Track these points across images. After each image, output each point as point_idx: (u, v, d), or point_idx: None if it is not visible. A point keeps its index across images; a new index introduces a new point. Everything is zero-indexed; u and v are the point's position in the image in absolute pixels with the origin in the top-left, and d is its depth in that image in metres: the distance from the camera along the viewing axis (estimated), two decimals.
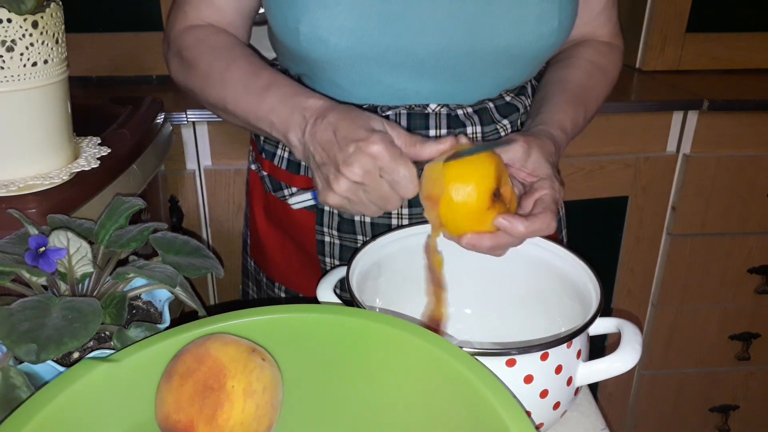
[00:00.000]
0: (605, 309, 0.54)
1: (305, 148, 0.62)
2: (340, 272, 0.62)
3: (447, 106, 0.73)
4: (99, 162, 0.71)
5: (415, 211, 0.75)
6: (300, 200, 0.67)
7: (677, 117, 1.32)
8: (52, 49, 0.63)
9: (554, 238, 0.67)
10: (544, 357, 0.50)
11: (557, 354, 0.50)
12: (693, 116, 1.31)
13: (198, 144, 1.21)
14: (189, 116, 1.16)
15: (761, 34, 1.46)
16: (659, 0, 1.40)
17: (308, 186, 0.78)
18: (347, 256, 0.78)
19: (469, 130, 0.74)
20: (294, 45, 0.68)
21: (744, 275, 1.45)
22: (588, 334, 0.55)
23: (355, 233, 0.77)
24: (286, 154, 0.79)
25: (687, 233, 1.40)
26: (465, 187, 0.55)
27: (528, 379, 0.50)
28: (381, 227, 0.76)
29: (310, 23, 0.65)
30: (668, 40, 1.44)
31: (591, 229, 1.38)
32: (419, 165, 0.57)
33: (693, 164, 1.33)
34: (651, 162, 1.33)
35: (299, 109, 0.62)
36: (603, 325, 0.56)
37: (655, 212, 1.38)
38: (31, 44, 0.61)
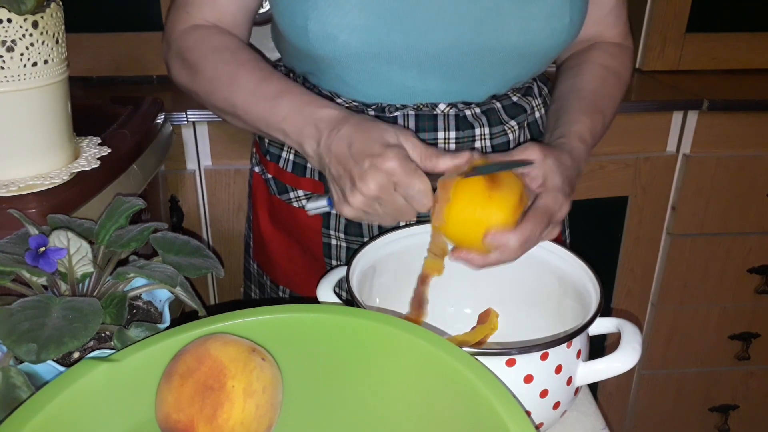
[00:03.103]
0: (605, 309, 0.54)
1: (321, 159, 0.62)
2: (340, 272, 0.62)
3: (455, 106, 0.72)
4: (99, 162, 0.71)
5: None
6: (316, 206, 0.66)
7: (677, 117, 1.32)
8: (52, 49, 0.63)
9: (557, 238, 0.67)
10: (544, 357, 0.50)
11: (557, 354, 0.51)
12: (693, 116, 1.31)
13: (198, 144, 1.21)
14: (189, 116, 1.16)
15: (761, 34, 1.46)
16: (659, 0, 1.40)
17: (314, 188, 0.78)
18: None
19: (477, 131, 0.73)
20: (302, 43, 0.67)
21: (743, 275, 1.45)
22: (588, 334, 0.55)
23: (362, 236, 0.77)
24: (291, 157, 0.79)
25: (687, 233, 1.40)
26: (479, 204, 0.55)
27: (528, 378, 0.50)
28: (388, 229, 0.75)
29: (319, 21, 0.64)
30: (668, 40, 1.44)
31: (591, 229, 1.38)
32: (434, 177, 0.57)
33: (693, 164, 1.33)
34: (651, 162, 1.33)
35: (312, 119, 0.62)
36: (603, 325, 0.56)
37: (655, 212, 1.38)
38: (32, 44, 0.61)
